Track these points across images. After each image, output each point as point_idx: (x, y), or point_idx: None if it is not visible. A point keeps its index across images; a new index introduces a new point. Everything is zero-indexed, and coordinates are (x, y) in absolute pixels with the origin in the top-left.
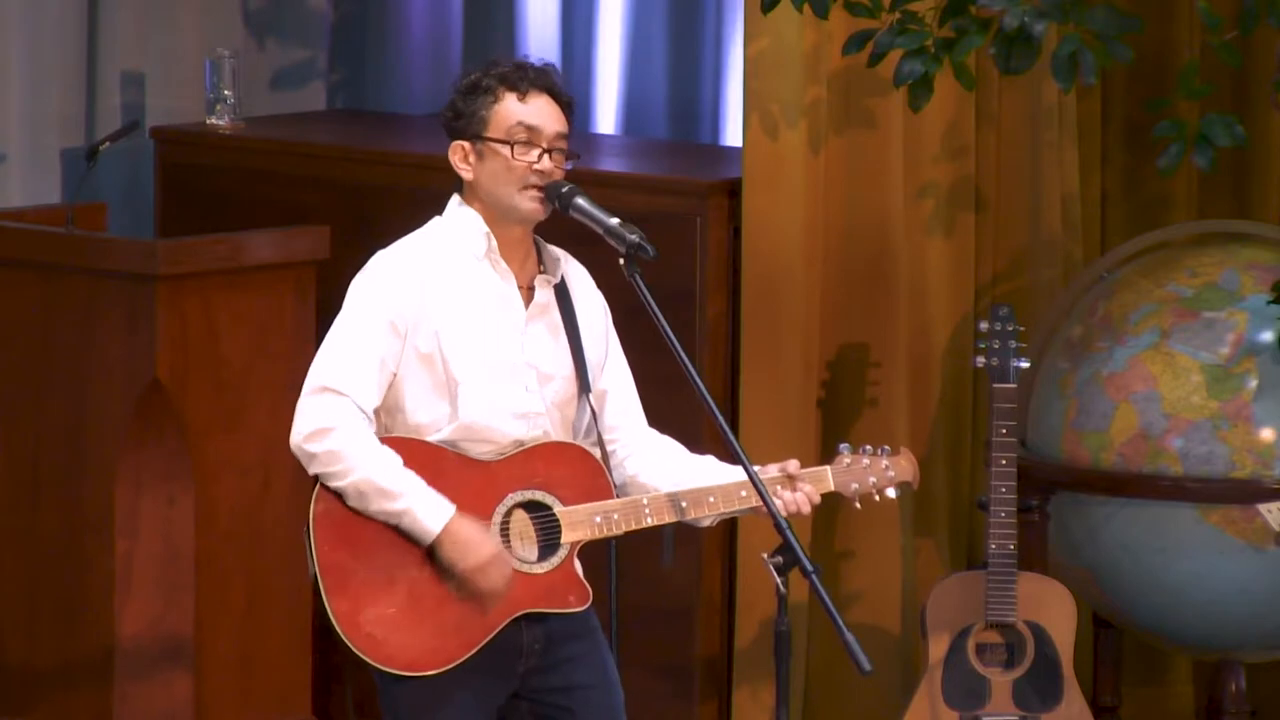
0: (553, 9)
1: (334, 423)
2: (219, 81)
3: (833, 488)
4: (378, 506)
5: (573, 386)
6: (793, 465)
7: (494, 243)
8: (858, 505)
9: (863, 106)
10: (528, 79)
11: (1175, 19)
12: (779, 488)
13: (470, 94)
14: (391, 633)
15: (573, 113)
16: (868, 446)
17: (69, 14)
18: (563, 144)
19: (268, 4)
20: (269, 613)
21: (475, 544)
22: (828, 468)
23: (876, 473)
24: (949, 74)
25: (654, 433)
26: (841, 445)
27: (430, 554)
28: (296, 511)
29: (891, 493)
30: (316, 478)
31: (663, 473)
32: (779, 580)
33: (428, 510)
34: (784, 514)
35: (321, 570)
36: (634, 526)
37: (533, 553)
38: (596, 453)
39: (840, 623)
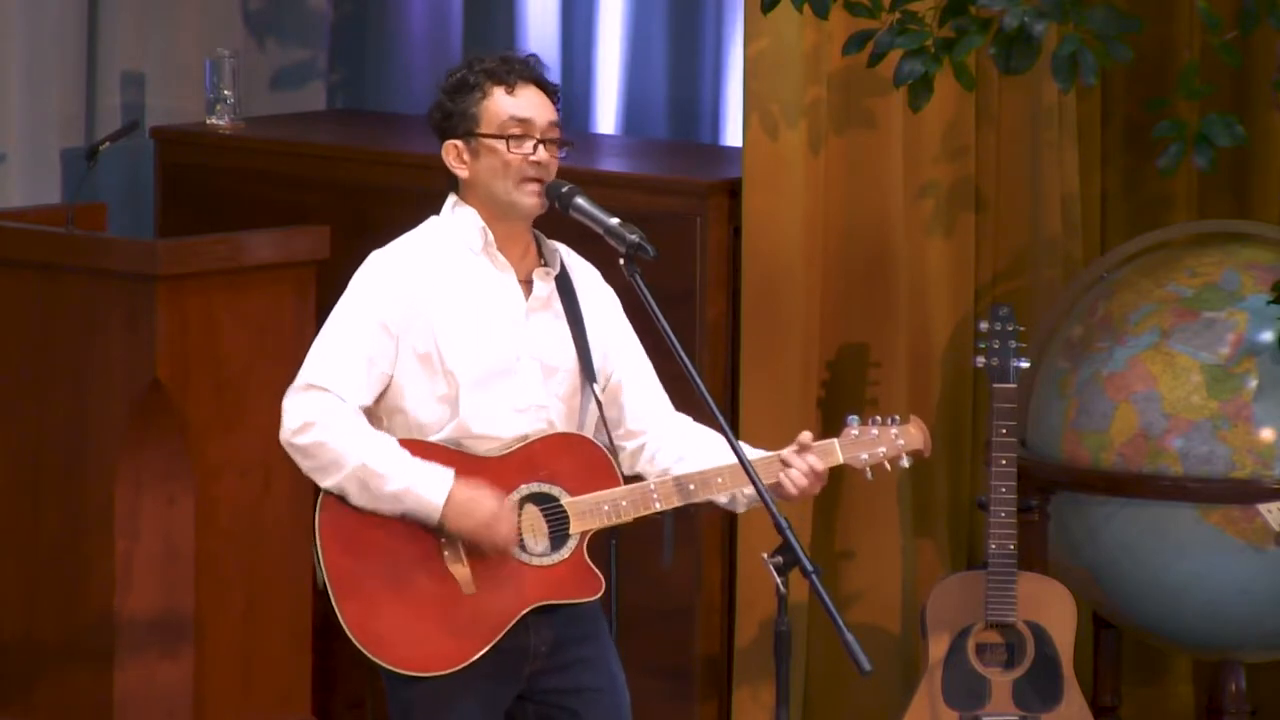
0: (553, 9)
1: (316, 416)
2: (219, 81)
3: (841, 460)
4: (377, 491)
5: (578, 378)
6: (805, 436)
7: (491, 236)
8: (868, 475)
9: (863, 106)
10: (515, 71)
11: (1175, 19)
12: (780, 474)
13: (458, 92)
14: (403, 635)
15: (560, 99)
16: (877, 417)
17: (69, 14)
18: (555, 132)
19: (268, 4)
20: (269, 613)
21: (476, 503)
22: (835, 440)
23: (886, 442)
24: (949, 74)
25: (683, 419)
26: (850, 417)
27: (438, 538)
28: (296, 511)
29: (905, 462)
30: (311, 479)
31: (693, 468)
32: (779, 580)
33: (427, 484)
34: (795, 493)
35: (330, 577)
36: (643, 512)
37: (544, 545)
38: (602, 441)
39: (840, 623)
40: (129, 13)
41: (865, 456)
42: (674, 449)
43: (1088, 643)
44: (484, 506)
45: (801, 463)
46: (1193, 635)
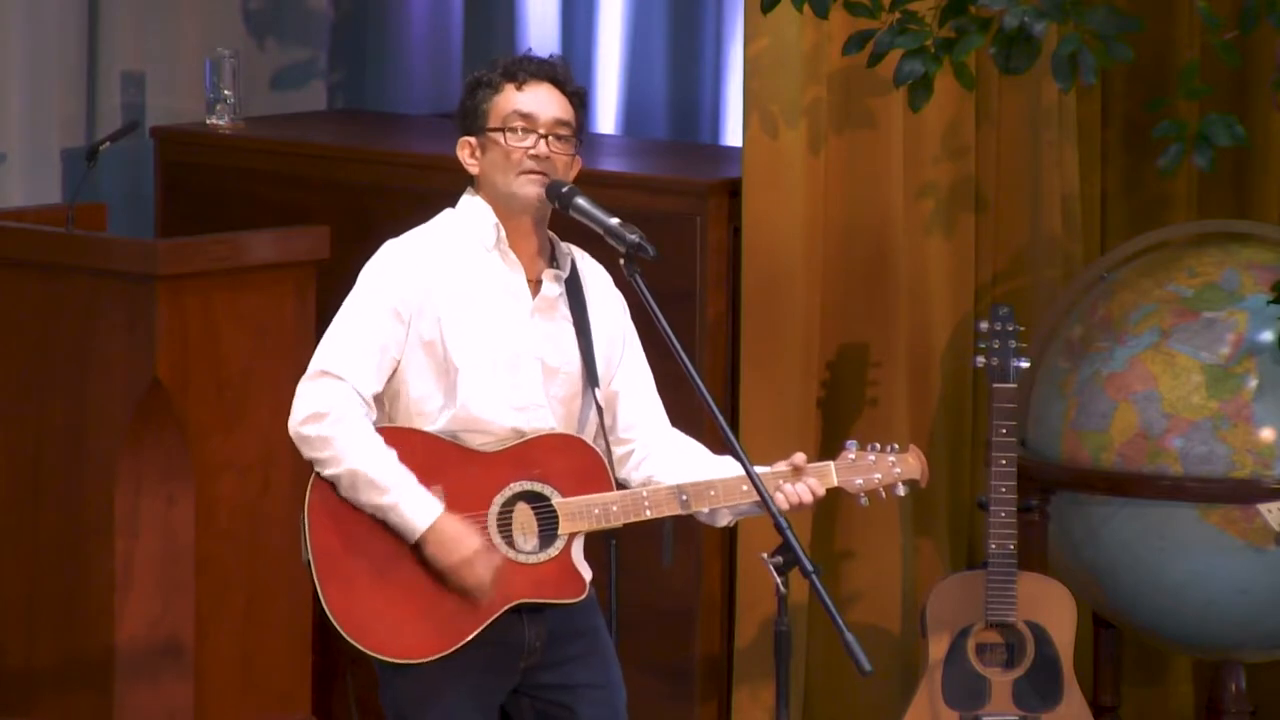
0: (553, 9)
1: (329, 407)
2: (219, 81)
3: (836, 483)
4: (367, 498)
5: (579, 382)
6: (799, 458)
7: (503, 233)
8: (863, 501)
9: (863, 106)
10: (527, 69)
11: (1175, 19)
12: (781, 481)
13: (475, 90)
14: (385, 621)
15: (582, 104)
16: (875, 444)
17: (69, 14)
18: (564, 130)
19: (268, 4)
20: (269, 613)
21: (459, 540)
22: (831, 463)
23: (883, 469)
24: (949, 74)
25: (677, 433)
26: (848, 442)
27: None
28: (296, 511)
29: (900, 490)
30: (311, 465)
31: (678, 475)
32: (779, 580)
33: (415, 506)
34: (786, 506)
35: (315, 557)
36: (633, 519)
37: (532, 544)
38: (600, 446)
39: (840, 623)
40: (129, 13)
41: (860, 482)
42: (662, 460)
43: (1088, 643)
44: (464, 547)
45: (803, 488)
46: (1193, 635)
